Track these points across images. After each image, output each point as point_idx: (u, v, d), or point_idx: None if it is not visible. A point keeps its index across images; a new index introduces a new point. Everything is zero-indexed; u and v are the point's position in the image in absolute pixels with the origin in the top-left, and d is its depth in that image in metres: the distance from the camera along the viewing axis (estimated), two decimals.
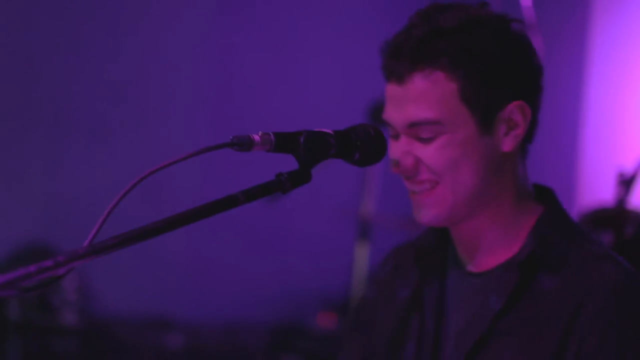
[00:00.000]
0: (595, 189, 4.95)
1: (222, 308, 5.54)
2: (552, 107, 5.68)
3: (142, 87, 5.35)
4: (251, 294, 5.63)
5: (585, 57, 5.35)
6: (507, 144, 1.88)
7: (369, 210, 4.54)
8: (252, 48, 5.69)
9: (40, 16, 5.04)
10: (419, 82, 1.84)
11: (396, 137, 1.91)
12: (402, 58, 1.85)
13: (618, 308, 1.80)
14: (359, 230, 4.53)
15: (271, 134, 1.65)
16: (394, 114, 1.89)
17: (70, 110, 5.14)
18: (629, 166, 3.60)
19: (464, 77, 1.83)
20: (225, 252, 5.57)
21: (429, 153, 1.86)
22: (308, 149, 1.69)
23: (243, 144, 1.61)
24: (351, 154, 1.77)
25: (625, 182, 3.57)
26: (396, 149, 1.89)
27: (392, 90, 1.89)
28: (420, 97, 1.84)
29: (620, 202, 3.55)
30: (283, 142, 1.66)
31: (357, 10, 5.56)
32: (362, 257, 4.44)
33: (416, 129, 1.86)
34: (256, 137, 1.62)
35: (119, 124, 5.27)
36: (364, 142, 1.78)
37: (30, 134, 5.03)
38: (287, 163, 1.73)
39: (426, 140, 1.86)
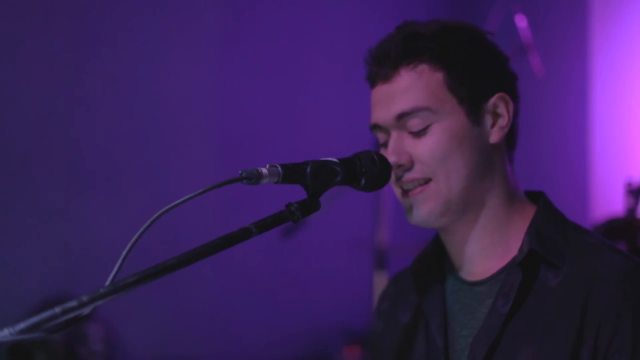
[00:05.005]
0: (607, 200, 4.96)
1: (246, 349, 5.55)
2: (560, 124, 5.73)
3: (152, 135, 5.40)
4: (275, 333, 5.64)
5: (588, 71, 5.36)
6: (495, 136, 1.94)
7: (384, 240, 4.54)
8: (258, 84, 5.74)
9: (49, 71, 5.10)
10: (405, 75, 1.91)
11: (386, 145, 1.96)
12: (387, 59, 1.93)
13: (627, 294, 1.80)
14: (375, 260, 4.53)
15: (278, 166, 1.69)
16: (382, 112, 1.93)
17: (81, 162, 5.18)
18: (637, 175, 3.62)
19: (447, 68, 1.90)
20: (246, 293, 5.59)
21: (422, 146, 1.90)
22: (315, 178, 1.73)
23: (252, 178, 1.64)
24: (357, 180, 1.82)
25: (634, 192, 3.59)
26: (389, 149, 1.93)
27: (378, 91, 1.95)
28: (407, 88, 1.90)
29: (630, 212, 3.57)
30: (290, 173, 1.71)
31: (362, 39, 5.60)
32: (381, 286, 4.43)
33: (406, 121, 1.91)
34: (264, 170, 1.66)
35: (131, 173, 5.31)
36: (369, 168, 1.82)
37: (43, 188, 5.07)
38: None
39: (418, 134, 1.90)
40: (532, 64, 4.62)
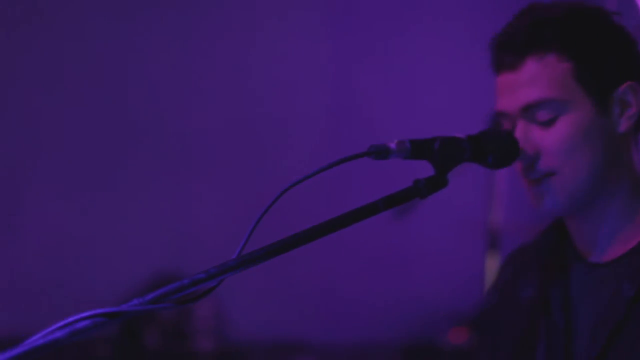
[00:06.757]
0: None
1: (353, 329, 5.55)
2: None
3: (259, 118, 5.43)
4: (381, 313, 5.63)
5: None
6: (623, 125, 1.88)
7: (497, 219, 4.47)
8: (367, 64, 5.72)
9: (161, 61, 5.17)
10: (531, 65, 1.85)
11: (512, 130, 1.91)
12: (513, 46, 1.87)
13: None
14: (488, 240, 4.47)
15: (406, 141, 1.68)
16: (508, 101, 1.89)
17: (191, 145, 5.24)
18: None
19: (576, 58, 1.85)
20: (354, 273, 5.59)
21: (549, 137, 1.86)
22: (443, 154, 1.71)
23: (380, 153, 1.63)
24: (484, 157, 1.80)
25: None
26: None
27: (504, 79, 1.90)
28: (534, 79, 1.85)
29: None
30: (418, 149, 1.69)
31: (473, 13, 5.53)
32: (493, 268, 4.37)
33: (533, 112, 1.86)
34: (392, 145, 1.65)
35: (238, 155, 5.35)
36: (497, 145, 1.80)
37: (155, 173, 5.16)
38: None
39: (545, 124, 1.86)
40: None
